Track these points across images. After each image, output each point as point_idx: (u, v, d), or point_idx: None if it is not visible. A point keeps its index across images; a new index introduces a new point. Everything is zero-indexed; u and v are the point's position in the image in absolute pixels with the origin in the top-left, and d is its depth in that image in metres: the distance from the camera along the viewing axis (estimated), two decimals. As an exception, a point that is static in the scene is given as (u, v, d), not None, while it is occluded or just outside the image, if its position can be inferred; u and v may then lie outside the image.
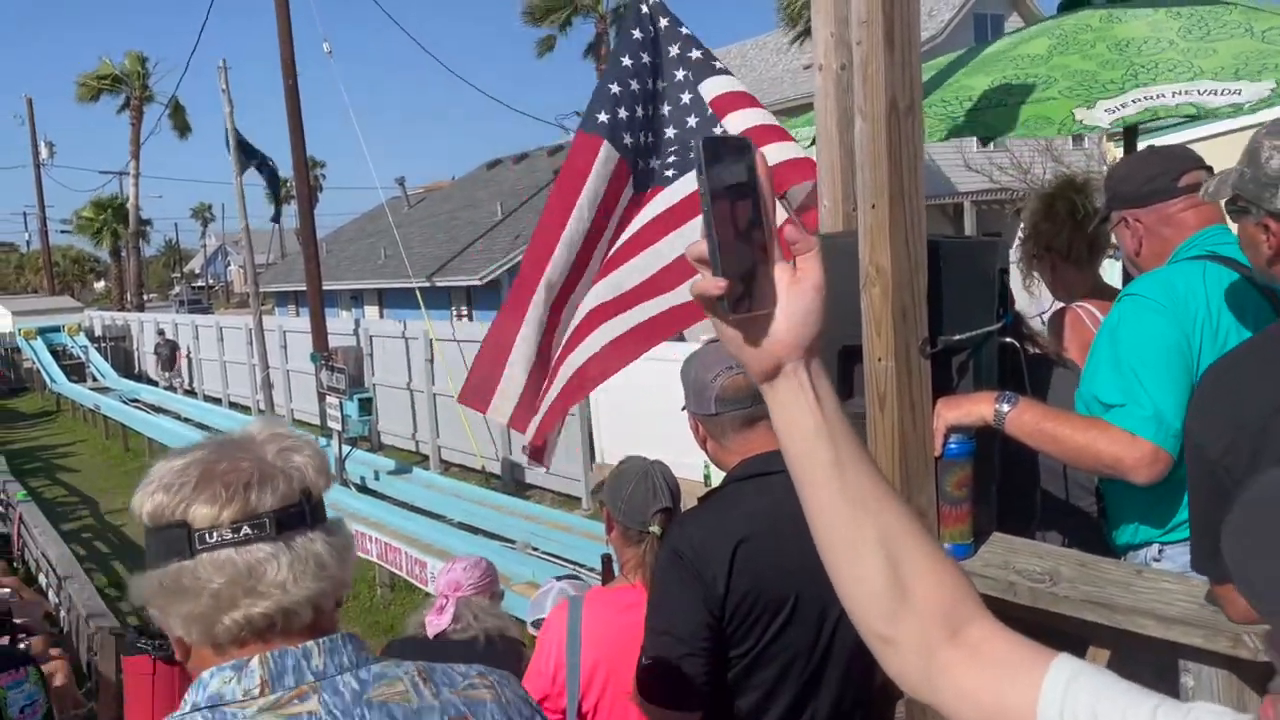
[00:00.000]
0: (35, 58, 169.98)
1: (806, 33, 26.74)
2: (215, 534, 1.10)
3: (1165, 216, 2.28)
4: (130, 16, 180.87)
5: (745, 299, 0.88)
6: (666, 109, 3.20)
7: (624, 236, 3.12)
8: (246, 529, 1.11)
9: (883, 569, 0.90)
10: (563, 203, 3.09)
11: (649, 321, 3.05)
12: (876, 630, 0.93)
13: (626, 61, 3.12)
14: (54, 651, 7.22)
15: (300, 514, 1.14)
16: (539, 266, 3.11)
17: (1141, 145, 3.31)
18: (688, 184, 3.08)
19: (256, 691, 1.10)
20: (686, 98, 3.17)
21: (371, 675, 1.16)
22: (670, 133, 3.19)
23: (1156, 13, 2.95)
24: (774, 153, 2.83)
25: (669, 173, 3.16)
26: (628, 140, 3.05)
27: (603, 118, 3.09)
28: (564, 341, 3.16)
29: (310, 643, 1.15)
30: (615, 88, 3.13)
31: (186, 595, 1.11)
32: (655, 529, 2.43)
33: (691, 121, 3.16)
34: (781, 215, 0.90)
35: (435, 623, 3.09)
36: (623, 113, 3.04)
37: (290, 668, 1.12)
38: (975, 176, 19.87)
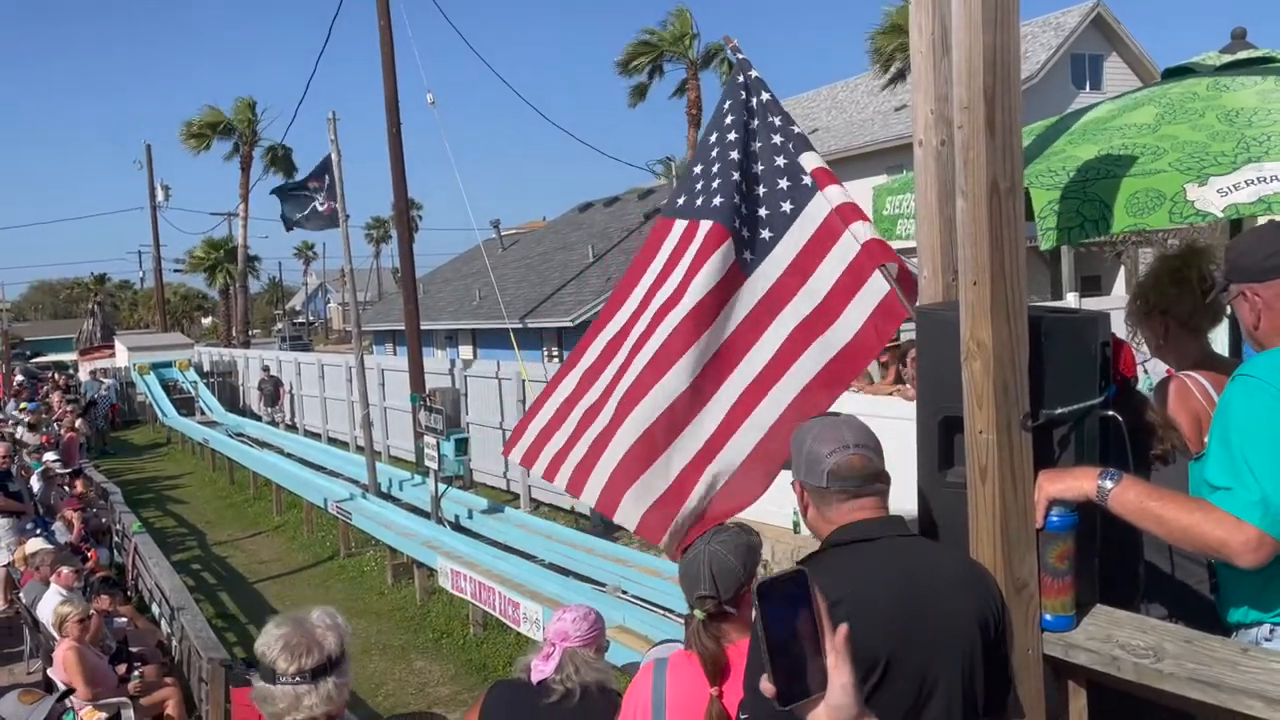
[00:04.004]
0: (154, 101, 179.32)
1: (899, 77, 26.67)
2: (283, 677, 2.23)
3: None
4: (243, 63, 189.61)
5: (799, 691, 1.25)
6: (759, 168, 3.21)
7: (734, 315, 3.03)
8: (297, 678, 2.23)
9: None
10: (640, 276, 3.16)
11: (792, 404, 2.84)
12: None
13: (725, 135, 3.20)
14: (166, 680, 7.55)
15: (324, 669, 2.25)
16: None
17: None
18: (785, 250, 3.09)
19: None
20: (781, 161, 3.21)
21: None
22: (761, 192, 3.20)
23: (1265, 81, 2.93)
24: (861, 230, 2.88)
25: (764, 233, 3.15)
26: (734, 218, 3.08)
27: (699, 202, 3.15)
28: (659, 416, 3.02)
29: None
30: (700, 168, 3.21)
31: (269, 702, 2.26)
32: (699, 613, 2.49)
33: (783, 183, 3.19)
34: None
35: (540, 669, 3.20)
36: (717, 193, 3.10)
37: None
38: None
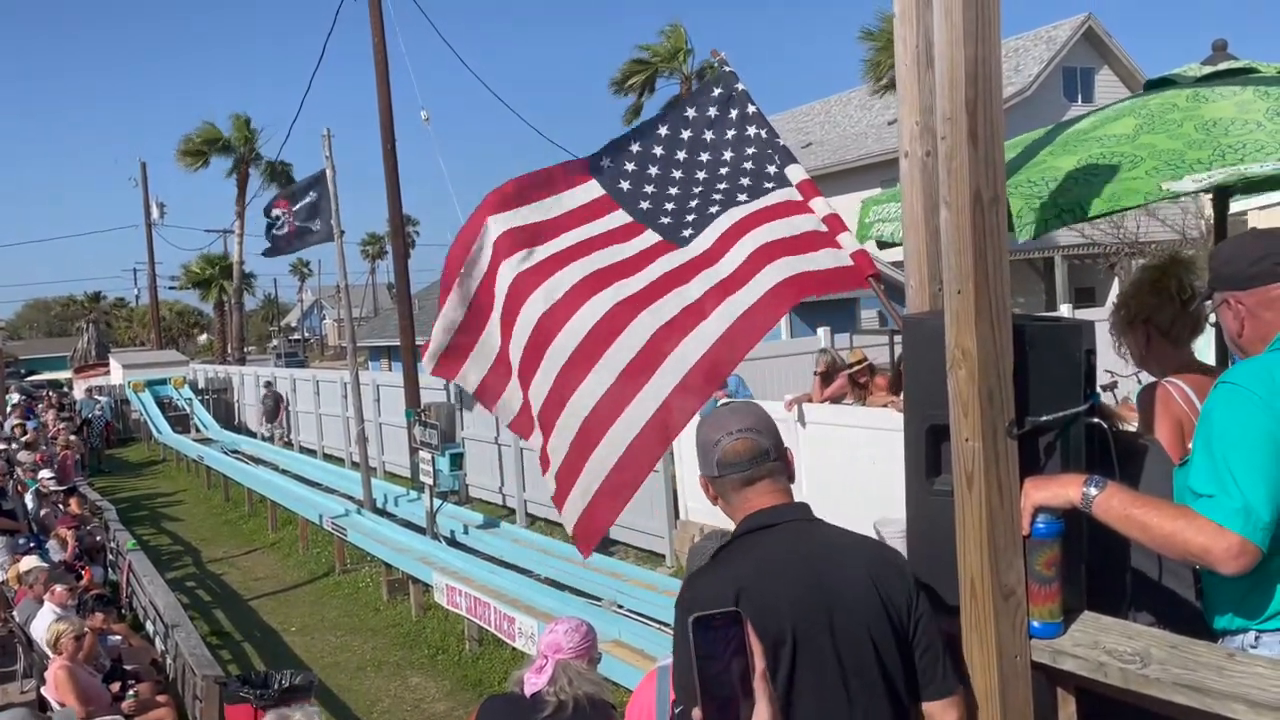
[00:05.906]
0: (149, 118, 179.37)
1: (891, 87, 26.77)
2: None
3: (1268, 300, 2.28)
4: (238, 80, 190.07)
5: None
6: (746, 180, 3.23)
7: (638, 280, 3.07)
8: None
9: None
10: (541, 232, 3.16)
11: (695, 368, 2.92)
12: None
13: (676, 131, 3.26)
14: (160, 698, 7.52)
15: None
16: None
17: (1236, 207, 3.29)
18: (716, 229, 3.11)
19: None
20: (772, 169, 3.24)
21: None
22: (719, 190, 3.21)
23: (1244, 91, 2.97)
24: (847, 240, 2.91)
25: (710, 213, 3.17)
26: (643, 205, 3.15)
27: (607, 163, 3.21)
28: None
29: None
30: (638, 147, 3.26)
31: None
32: None
33: (768, 183, 3.21)
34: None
35: (533, 682, 3.21)
36: (635, 168, 3.16)
37: None
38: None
